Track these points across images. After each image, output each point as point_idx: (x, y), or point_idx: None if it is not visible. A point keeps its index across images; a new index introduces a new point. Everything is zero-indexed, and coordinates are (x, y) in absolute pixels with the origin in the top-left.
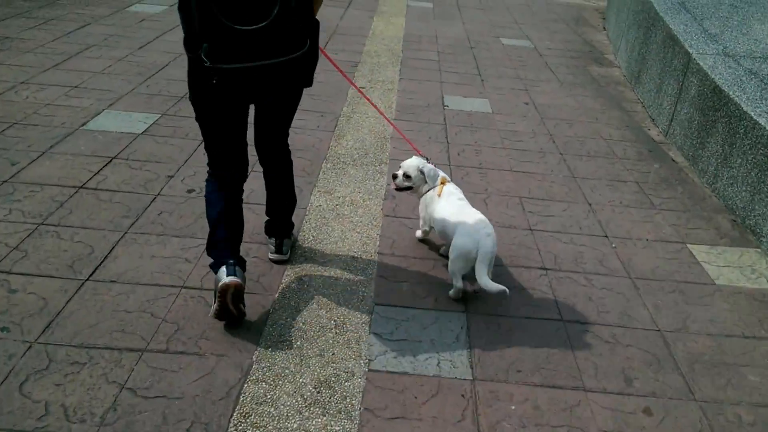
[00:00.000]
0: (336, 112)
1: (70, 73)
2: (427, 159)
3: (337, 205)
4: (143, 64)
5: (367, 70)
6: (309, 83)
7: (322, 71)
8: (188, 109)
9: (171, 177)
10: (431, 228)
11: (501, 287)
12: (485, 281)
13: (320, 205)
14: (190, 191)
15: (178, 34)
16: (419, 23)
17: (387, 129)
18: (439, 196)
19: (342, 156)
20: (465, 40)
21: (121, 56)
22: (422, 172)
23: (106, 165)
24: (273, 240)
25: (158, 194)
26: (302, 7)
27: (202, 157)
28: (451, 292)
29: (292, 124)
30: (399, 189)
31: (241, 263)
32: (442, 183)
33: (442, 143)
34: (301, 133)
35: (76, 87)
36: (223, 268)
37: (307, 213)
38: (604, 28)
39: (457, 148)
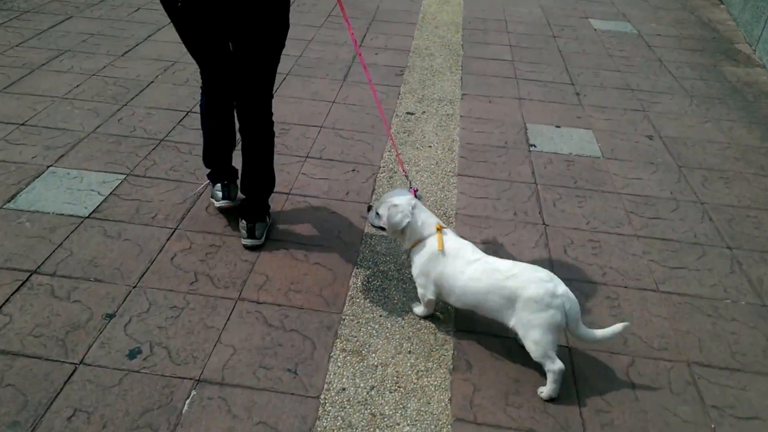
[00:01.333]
0: (374, 162)
1: (22, 100)
2: (415, 192)
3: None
4: (122, 81)
5: (417, 80)
6: (281, 24)
7: (352, 88)
8: (165, 162)
9: (111, 317)
10: (436, 297)
11: (616, 328)
12: (591, 334)
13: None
14: (134, 354)
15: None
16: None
17: (451, 196)
18: (440, 250)
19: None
20: (544, 24)
21: (96, 68)
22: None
23: (16, 291)
24: (244, 223)
25: (78, 365)
26: None
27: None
28: (544, 393)
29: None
30: (374, 227)
31: (232, 176)
32: (439, 229)
33: (534, 225)
34: (324, 207)
35: (22, 125)
36: (219, 188)
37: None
38: (721, 0)
39: (561, 236)
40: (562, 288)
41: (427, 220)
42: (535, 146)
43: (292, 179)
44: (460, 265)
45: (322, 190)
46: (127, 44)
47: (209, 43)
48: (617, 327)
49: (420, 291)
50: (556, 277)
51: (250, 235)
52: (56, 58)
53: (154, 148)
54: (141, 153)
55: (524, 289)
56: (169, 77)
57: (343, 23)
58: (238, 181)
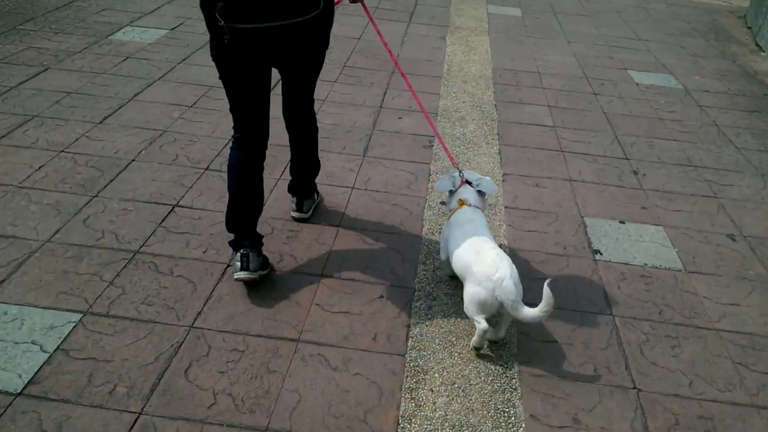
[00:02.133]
0: (406, 283)
1: None
2: (459, 170)
3: None
4: (96, 160)
5: (449, 160)
6: (325, 44)
7: (375, 166)
8: (137, 290)
9: None
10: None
11: (542, 308)
12: (524, 314)
13: None
14: None
15: (167, 84)
16: (510, 45)
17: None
18: (448, 220)
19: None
20: (581, 77)
21: (67, 141)
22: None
23: None
24: (295, 199)
25: None
26: None
27: None
28: (472, 341)
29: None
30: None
31: (257, 242)
32: (460, 204)
33: (623, 392)
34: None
35: None
36: (238, 259)
37: None
38: (758, 44)
39: (661, 410)
40: (498, 275)
41: (459, 195)
42: (600, 253)
43: (302, 318)
44: (456, 232)
45: (342, 334)
46: (109, 106)
47: (253, 80)
48: (544, 309)
49: (441, 249)
50: (509, 272)
51: (299, 209)
52: (20, 127)
53: (124, 267)
54: (107, 275)
55: (474, 265)
56: (155, 153)
57: (362, 76)
58: (262, 250)
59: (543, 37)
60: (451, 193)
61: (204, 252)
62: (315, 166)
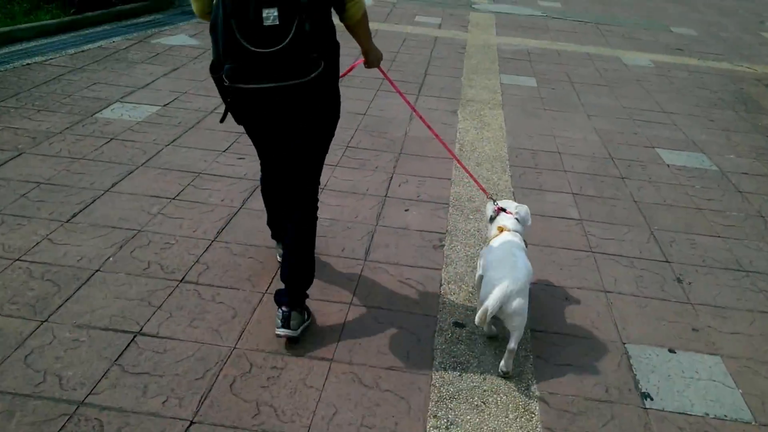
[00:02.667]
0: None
1: None
2: (493, 200)
3: None
4: (54, 272)
5: (463, 258)
6: (326, 112)
7: (378, 273)
8: None
9: None
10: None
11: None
12: (479, 314)
13: None
14: None
15: (150, 172)
16: (527, 120)
17: None
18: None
19: None
20: (606, 158)
21: (26, 247)
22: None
23: None
24: (279, 312)
25: None
26: (316, 32)
27: None
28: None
29: None
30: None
31: (300, 300)
32: (500, 230)
33: None
34: None
35: None
36: (279, 314)
37: None
38: None
39: None
40: (511, 298)
41: (499, 223)
42: (650, 398)
43: None
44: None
45: None
46: (81, 200)
47: (267, 137)
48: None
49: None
50: (517, 287)
51: (285, 324)
52: None
53: (61, 429)
54: None
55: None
56: (125, 261)
57: (366, 159)
58: (305, 312)
59: (561, 110)
60: (492, 219)
61: (163, 403)
62: (308, 269)
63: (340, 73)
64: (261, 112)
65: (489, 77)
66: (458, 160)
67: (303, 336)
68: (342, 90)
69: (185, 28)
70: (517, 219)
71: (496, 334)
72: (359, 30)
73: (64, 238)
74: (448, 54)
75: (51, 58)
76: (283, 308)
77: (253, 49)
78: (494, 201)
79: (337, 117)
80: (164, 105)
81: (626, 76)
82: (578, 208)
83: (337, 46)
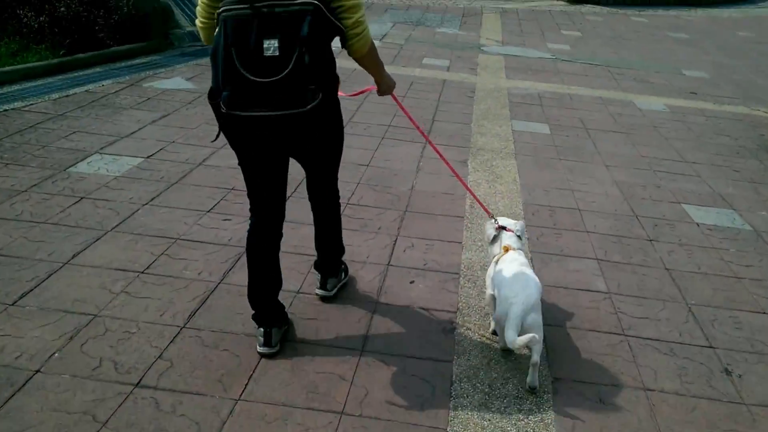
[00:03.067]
0: None
1: None
2: (494, 219)
3: None
4: None
5: (477, 349)
6: (327, 139)
7: (377, 369)
8: None
9: None
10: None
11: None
12: (509, 336)
13: None
14: None
15: (120, 238)
16: (541, 172)
17: None
18: (496, 263)
19: None
20: (630, 216)
21: None
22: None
23: None
24: (318, 276)
25: None
26: (316, 64)
27: None
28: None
29: None
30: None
31: (278, 314)
32: (505, 250)
33: None
34: None
35: None
36: (262, 334)
37: None
38: None
39: None
40: (513, 302)
41: (504, 241)
42: None
43: None
44: (500, 266)
45: None
46: (35, 275)
47: (263, 167)
48: (526, 337)
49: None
50: (524, 296)
51: (322, 287)
52: None
53: None
54: None
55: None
56: (72, 357)
57: (368, 219)
58: (283, 324)
59: (578, 160)
60: (494, 238)
61: None
62: (338, 247)
63: (353, 92)
64: (257, 140)
65: (500, 123)
66: (429, 141)
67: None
68: (345, 138)
69: (182, 70)
70: (519, 236)
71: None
72: (368, 63)
73: (4, 327)
74: (457, 98)
75: (32, 104)
76: (321, 275)
77: (252, 78)
78: (495, 219)
79: (341, 139)
80: (148, 156)
81: (641, 122)
82: (605, 277)
83: (336, 78)
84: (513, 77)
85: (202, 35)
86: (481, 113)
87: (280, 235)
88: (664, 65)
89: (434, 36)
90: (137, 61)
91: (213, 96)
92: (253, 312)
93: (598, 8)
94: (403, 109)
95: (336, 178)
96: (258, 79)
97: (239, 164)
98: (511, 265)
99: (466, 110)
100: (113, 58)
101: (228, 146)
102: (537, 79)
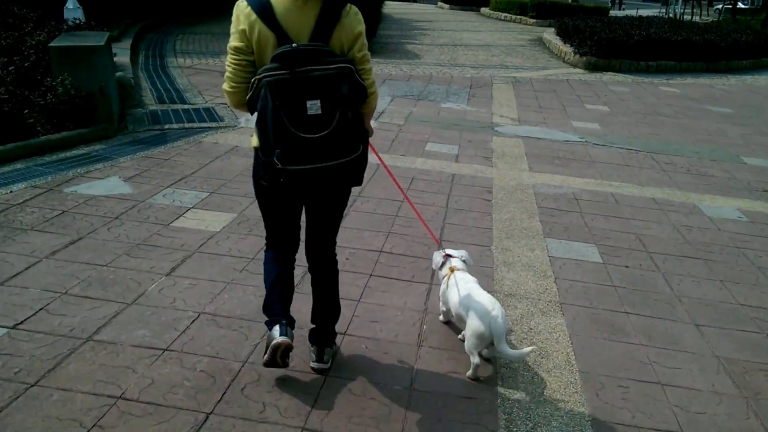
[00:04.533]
0: None
1: None
2: (441, 247)
3: None
4: None
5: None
6: (359, 182)
7: None
8: None
9: None
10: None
11: (522, 352)
12: (504, 349)
13: None
14: None
15: None
16: (605, 344)
17: None
18: (446, 284)
19: None
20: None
21: None
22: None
23: None
24: (315, 348)
25: None
26: (357, 118)
27: None
28: (468, 373)
29: None
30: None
31: (291, 322)
32: (451, 271)
33: None
34: None
35: None
36: (277, 327)
37: None
38: None
39: None
40: (494, 313)
41: (451, 264)
42: None
43: None
44: (458, 289)
45: None
46: None
47: (290, 212)
48: (526, 350)
49: (440, 305)
50: (500, 309)
51: (319, 359)
52: None
53: None
54: None
55: (474, 305)
56: None
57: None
58: (293, 328)
59: (653, 315)
60: (442, 265)
61: None
62: (335, 310)
63: None
64: (305, 188)
65: (531, 244)
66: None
67: None
68: None
69: (124, 165)
70: (464, 261)
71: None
72: (368, 115)
73: None
74: (470, 202)
75: None
76: (318, 347)
77: (301, 134)
78: (442, 249)
79: (361, 182)
80: (14, 326)
81: (718, 239)
82: None
83: (366, 132)
84: (538, 169)
85: (229, 99)
86: (504, 227)
87: (294, 259)
88: (718, 150)
89: (439, 113)
90: (73, 152)
91: (266, 153)
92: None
93: (620, 77)
94: (386, 168)
95: (335, 240)
96: (307, 136)
97: (261, 208)
98: (468, 284)
99: (483, 222)
100: (42, 149)
101: None
102: (568, 171)
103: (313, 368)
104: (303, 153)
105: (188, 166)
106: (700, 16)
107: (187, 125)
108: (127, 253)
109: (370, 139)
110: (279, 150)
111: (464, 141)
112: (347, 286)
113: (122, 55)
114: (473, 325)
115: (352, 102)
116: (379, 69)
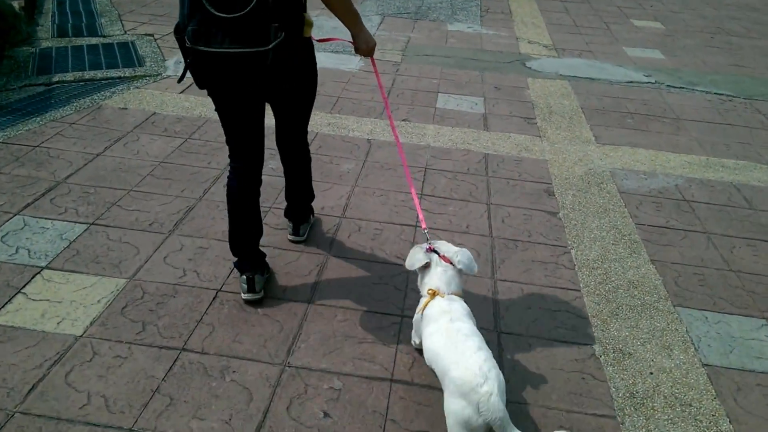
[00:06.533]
0: None
1: None
2: (428, 244)
3: None
4: None
5: None
6: (309, 83)
7: None
8: None
9: None
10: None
11: None
12: None
13: None
14: None
15: None
16: None
17: None
18: (421, 313)
19: None
20: None
21: None
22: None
23: None
24: (291, 224)
25: None
26: (279, 2)
27: None
28: None
29: None
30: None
31: (260, 261)
32: (431, 295)
33: None
34: None
35: None
36: (244, 281)
37: None
38: None
39: None
40: (485, 388)
41: (430, 282)
42: None
43: None
44: (431, 327)
45: None
46: None
47: (238, 110)
48: None
49: (413, 335)
50: (496, 383)
51: (295, 232)
52: None
53: None
54: None
55: (454, 370)
56: None
57: None
58: (265, 272)
59: None
60: (423, 268)
61: None
62: (308, 194)
63: (325, 38)
64: (224, 79)
65: (661, 338)
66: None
67: None
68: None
69: None
70: (461, 269)
71: None
72: (336, 5)
73: None
74: (525, 223)
75: None
76: (294, 223)
77: (215, 12)
78: (428, 239)
79: (314, 86)
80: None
81: None
82: None
83: (302, 20)
84: (607, 138)
85: None
86: (597, 283)
87: (260, 181)
88: None
89: (447, 41)
90: None
91: (179, 31)
92: (235, 260)
93: None
94: (380, 84)
95: (306, 131)
96: (221, 14)
97: (216, 109)
98: (453, 325)
99: (558, 274)
100: None
101: None
102: (653, 141)
103: (290, 240)
104: (213, 33)
105: (66, 161)
106: None
107: (87, 74)
108: None
109: (376, 51)
110: (191, 28)
111: (489, 88)
112: None
113: None
114: (454, 407)
115: None
116: None
